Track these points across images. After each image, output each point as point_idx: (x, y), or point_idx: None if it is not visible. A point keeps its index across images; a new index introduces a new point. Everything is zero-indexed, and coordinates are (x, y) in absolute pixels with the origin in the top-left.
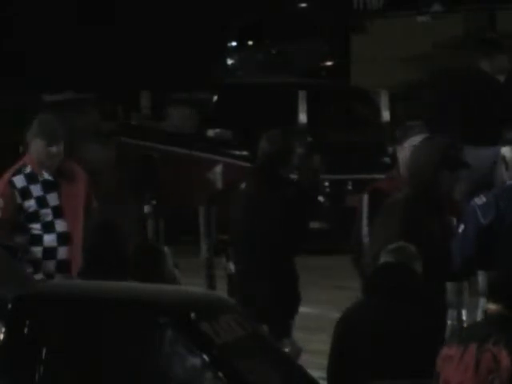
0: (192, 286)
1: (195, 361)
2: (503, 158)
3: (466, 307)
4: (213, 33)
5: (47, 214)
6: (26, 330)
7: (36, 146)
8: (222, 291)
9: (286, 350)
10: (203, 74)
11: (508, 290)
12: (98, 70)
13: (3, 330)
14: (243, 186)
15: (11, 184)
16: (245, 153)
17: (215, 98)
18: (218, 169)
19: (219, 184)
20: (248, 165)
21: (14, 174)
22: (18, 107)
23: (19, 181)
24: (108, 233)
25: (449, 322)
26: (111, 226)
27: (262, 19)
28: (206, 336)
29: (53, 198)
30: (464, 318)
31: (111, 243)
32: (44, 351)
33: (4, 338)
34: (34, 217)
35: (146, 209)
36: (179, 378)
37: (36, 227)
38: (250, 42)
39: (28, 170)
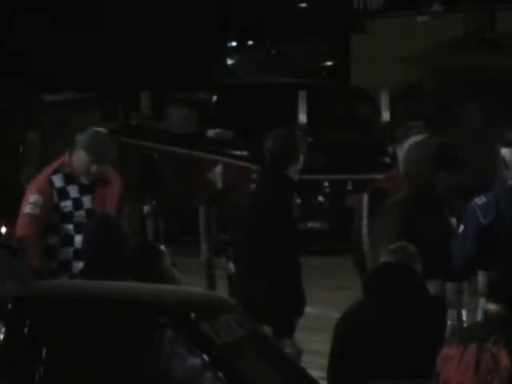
0: (192, 285)
1: (195, 361)
2: (503, 159)
3: (466, 307)
4: (213, 33)
5: (81, 215)
6: (26, 330)
7: (79, 157)
8: (222, 291)
9: (287, 350)
10: (203, 74)
11: (508, 291)
12: (98, 70)
13: (3, 330)
14: (252, 186)
15: (50, 182)
16: (245, 153)
17: (215, 98)
18: (218, 169)
19: (219, 184)
20: (248, 165)
21: (54, 173)
22: (17, 107)
23: (58, 180)
24: (108, 233)
25: (449, 322)
26: (111, 226)
27: (262, 19)
28: (205, 336)
29: (87, 201)
30: (464, 318)
31: (111, 243)
32: (44, 351)
33: (4, 337)
34: (69, 217)
35: (146, 209)
36: (179, 378)
37: (69, 228)
38: (250, 42)
39: (67, 170)
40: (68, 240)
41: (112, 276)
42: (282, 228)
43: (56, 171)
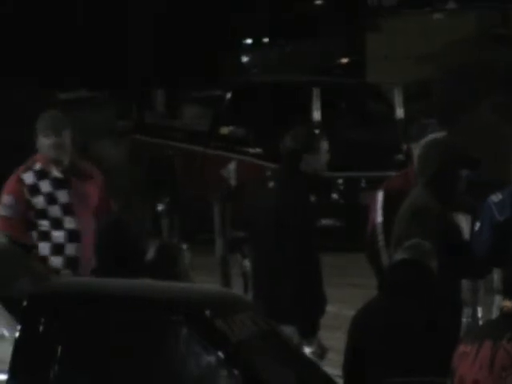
0: (207, 283)
1: (210, 358)
2: None
3: (482, 305)
4: (227, 31)
5: (56, 210)
6: (41, 328)
7: (40, 143)
8: (237, 289)
9: (312, 349)
10: (217, 73)
11: None
12: (112, 68)
13: (19, 327)
14: (270, 184)
15: (20, 180)
16: (258, 150)
17: (229, 95)
18: (232, 166)
19: (233, 181)
20: (262, 162)
21: (24, 171)
22: (31, 106)
23: (28, 177)
24: (121, 231)
25: (464, 320)
26: (124, 225)
27: (276, 17)
28: (220, 334)
29: (63, 195)
30: (479, 315)
31: (124, 241)
32: (59, 349)
33: (19, 335)
34: (42, 213)
35: (161, 207)
36: (194, 376)
37: (44, 223)
38: (265, 40)
39: (37, 167)
40: (44, 236)
41: (126, 274)
42: (301, 227)
43: (27, 169)
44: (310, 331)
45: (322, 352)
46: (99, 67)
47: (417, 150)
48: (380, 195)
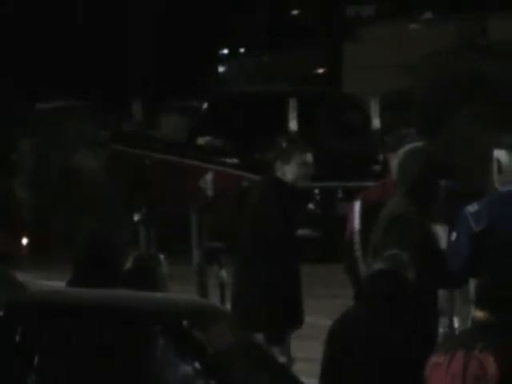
0: (184, 293)
1: (187, 369)
2: (497, 161)
3: (458, 315)
4: (204, 41)
5: None
6: (17, 338)
7: None
8: (214, 299)
9: (280, 358)
10: (194, 83)
11: (494, 297)
12: (90, 78)
13: None
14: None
15: None
16: (235, 161)
17: (206, 106)
18: (209, 176)
19: (210, 192)
20: (239, 172)
21: None
22: (9, 116)
23: None
24: (99, 241)
25: (441, 330)
26: (103, 235)
27: (253, 27)
28: (198, 344)
29: None
30: (456, 325)
31: (102, 251)
32: (36, 359)
33: None
34: None
35: (138, 217)
36: None
37: None
38: (242, 50)
39: None
40: None
41: (103, 285)
42: (280, 239)
43: None
44: (277, 340)
45: (288, 362)
46: (77, 77)
47: (394, 160)
48: (357, 205)
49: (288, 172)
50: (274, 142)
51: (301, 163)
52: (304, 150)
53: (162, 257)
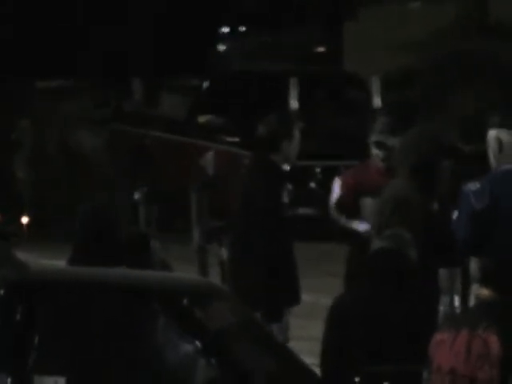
0: (184, 272)
1: (188, 347)
2: (498, 140)
3: (459, 293)
4: (205, 19)
5: None
6: (18, 316)
7: None
8: (214, 278)
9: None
10: (195, 61)
11: (499, 276)
12: (91, 56)
13: None
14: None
15: None
16: (236, 139)
17: (206, 84)
18: (210, 155)
19: (211, 170)
20: (240, 151)
21: None
22: (9, 94)
23: None
24: (98, 220)
25: (441, 308)
26: (102, 213)
27: (254, 5)
28: (198, 323)
29: None
30: (456, 303)
31: (101, 230)
32: (37, 337)
33: None
34: None
35: (138, 195)
36: (172, 365)
37: None
38: (242, 29)
39: None
40: None
41: (103, 263)
42: (273, 215)
43: None
44: (273, 319)
45: (284, 341)
46: (77, 55)
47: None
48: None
49: (293, 150)
50: (267, 119)
51: (299, 141)
52: (299, 126)
53: (156, 243)
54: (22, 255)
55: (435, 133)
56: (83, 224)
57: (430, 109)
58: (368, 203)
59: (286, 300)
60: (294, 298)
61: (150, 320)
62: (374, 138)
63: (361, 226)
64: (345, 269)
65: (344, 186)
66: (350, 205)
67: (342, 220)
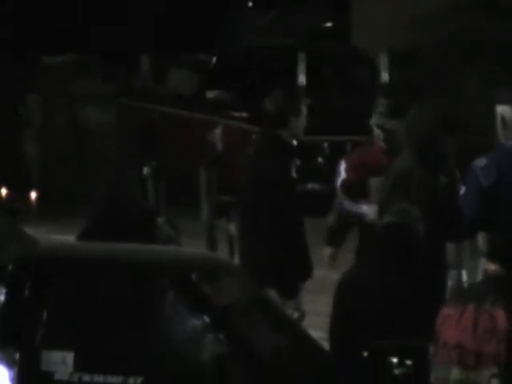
0: (193, 247)
1: (196, 322)
2: (502, 117)
3: (467, 268)
4: None
5: None
6: (26, 292)
7: None
8: (223, 253)
9: (291, 312)
10: (203, 37)
11: (507, 251)
12: (99, 31)
13: (4, 291)
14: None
15: None
16: (245, 114)
17: (214, 59)
18: (219, 130)
19: (219, 146)
20: (248, 126)
21: None
22: (17, 70)
23: None
24: (113, 198)
25: (449, 283)
26: (116, 192)
27: None
28: (207, 298)
29: None
30: (464, 278)
31: (115, 209)
32: (45, 313)
33: (5, 299)
34: None
35: (146, 171)
36: (180, 340)
37: None
38: (250, 4)
39: None
40: None
41: (114, 238)
42: (281, 190)
43: None
44: (289, 294)
45: (300, 316)
46: (85, 30)
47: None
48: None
49: (299, 125)
50: (274, 94)
51: (305, 116)
52: (307, 102)
53: (162, 219)
54: (30, 231)
55: (438, 109)
56: (97, 202)
57: (437, 85)
58: (375, 183)
59: (298, 275)
60: (306, 273)
61: (158, 295)
62: (373, 119)
63: (369, 211)
64: (356, 244)
65: (349, 168)
66: (356, 186)
67: (349, 204)
